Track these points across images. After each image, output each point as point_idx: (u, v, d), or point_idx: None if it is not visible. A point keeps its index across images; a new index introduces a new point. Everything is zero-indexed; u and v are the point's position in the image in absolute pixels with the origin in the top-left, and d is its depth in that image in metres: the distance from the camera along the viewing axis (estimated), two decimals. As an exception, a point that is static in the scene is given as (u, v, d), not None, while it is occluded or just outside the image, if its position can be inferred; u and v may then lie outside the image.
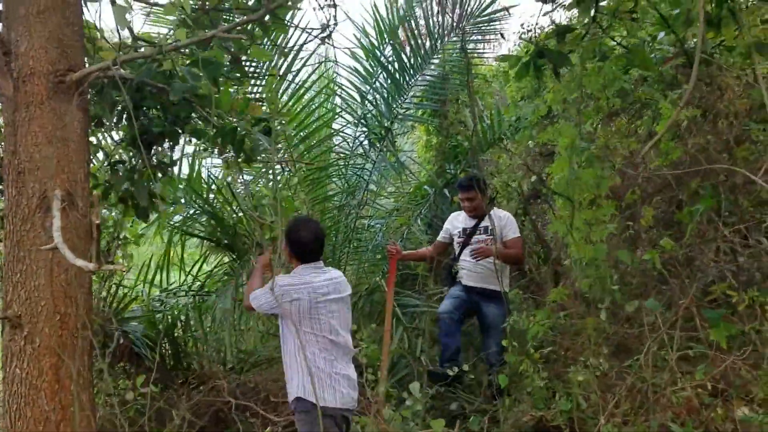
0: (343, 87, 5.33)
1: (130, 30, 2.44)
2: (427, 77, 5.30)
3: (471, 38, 5.13)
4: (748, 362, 2.75)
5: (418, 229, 5.14)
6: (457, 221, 3.90)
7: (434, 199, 5.34)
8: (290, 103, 4.91)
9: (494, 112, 5.24)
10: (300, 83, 4.89)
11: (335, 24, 2.53)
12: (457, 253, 3.81)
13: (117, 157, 2.84)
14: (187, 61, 2.49)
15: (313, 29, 2.78)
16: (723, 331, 2.41)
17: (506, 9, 4.86)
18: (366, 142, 5.33)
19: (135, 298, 3.81)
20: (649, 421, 2.51)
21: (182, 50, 2.45)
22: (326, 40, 2.57)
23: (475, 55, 5.39)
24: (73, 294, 2.03)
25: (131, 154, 2.79)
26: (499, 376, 2.79)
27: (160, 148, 2.84)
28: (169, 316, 3.86)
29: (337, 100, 5.48)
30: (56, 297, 1.99)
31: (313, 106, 5.17)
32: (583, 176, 2.46)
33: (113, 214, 3.42)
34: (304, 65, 4.79)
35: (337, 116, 5.43)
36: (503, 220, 3.60)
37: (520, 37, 4.25)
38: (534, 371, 2.67)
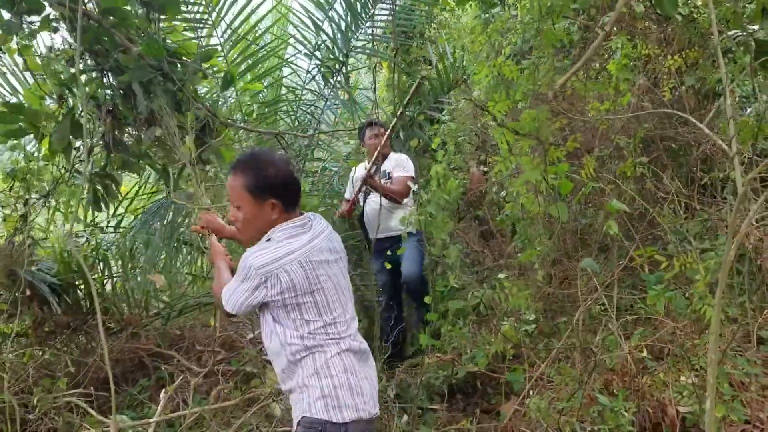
0: (295, 12, 4.82)
1: None
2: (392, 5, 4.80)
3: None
4: (694, 328, 2.60)
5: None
6: (357, 174, 3.74)
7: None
8: (236, 25, 4.41)
9: (458, 49, 4.81)
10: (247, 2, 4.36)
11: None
12: (362, 205, 3.67)
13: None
14: None
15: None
16: (660, 296, 2.21)
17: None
18: (319, 76, 4.89)
19: (44, 239, 3.47)
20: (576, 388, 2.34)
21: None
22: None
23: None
24: None
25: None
26: (420, 335, 2.60)
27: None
28: (85, 256, 3.55)
29: (289, 29, 4.98)
30: None
31: (260, 31, 4.69)
32: (523, 118, 2.15)
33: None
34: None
35: (288, 45, 4.95)
36: (395, 161, 3.55)
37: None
38: (457, 327, 2.46)
